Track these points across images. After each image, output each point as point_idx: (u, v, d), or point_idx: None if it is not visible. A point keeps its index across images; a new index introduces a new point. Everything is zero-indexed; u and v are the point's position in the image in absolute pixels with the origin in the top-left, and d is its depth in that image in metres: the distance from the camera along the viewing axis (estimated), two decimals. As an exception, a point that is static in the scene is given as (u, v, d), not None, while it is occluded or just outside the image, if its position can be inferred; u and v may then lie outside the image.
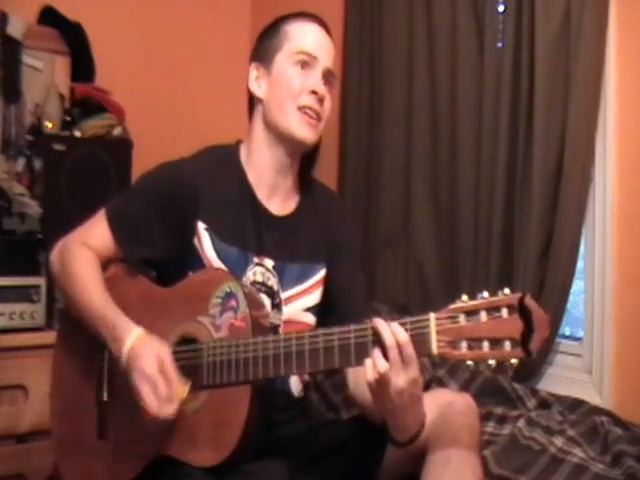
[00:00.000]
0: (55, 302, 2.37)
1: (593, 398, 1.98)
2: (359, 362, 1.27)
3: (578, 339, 2.15)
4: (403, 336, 1.22)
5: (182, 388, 1.37)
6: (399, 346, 1.21)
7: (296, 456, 1.47)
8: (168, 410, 1.34)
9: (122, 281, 1.55)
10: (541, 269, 2.04)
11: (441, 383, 2.05)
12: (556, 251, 2.00)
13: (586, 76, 1.95)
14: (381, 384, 1.22)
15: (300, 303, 1.58)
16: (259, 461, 1.40)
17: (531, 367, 2.08)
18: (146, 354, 1.37)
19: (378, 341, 1.24)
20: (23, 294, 2.33)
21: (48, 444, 1.66)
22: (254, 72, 1.60)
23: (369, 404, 1.39)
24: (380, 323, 1.24)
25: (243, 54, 3.05)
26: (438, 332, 1.20)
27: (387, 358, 1.22)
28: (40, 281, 2.35)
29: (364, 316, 1.32)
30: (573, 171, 1.98)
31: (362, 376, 1.44)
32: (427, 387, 1.96)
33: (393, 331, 1.22)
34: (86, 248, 1.55)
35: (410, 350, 1.21)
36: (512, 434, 1.77)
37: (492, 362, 1.18)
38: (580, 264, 2.06)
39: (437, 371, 2.08)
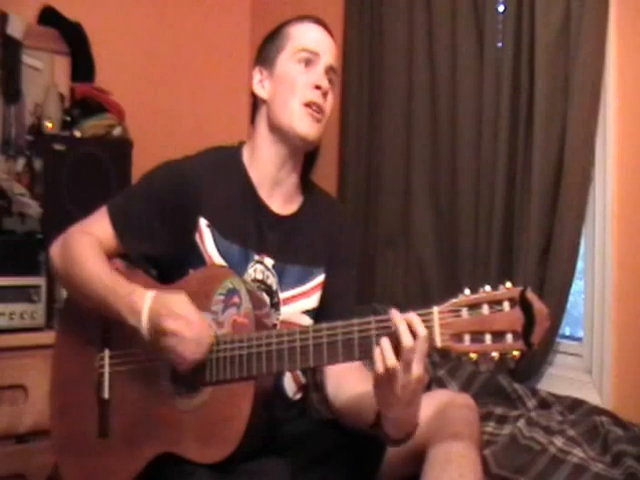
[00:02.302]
0: (55, 302, 2.37)
1: (593, 398, 1.98)
2: (363, 356, 1.27)
3: (578, 339, 2.15)
4: (422, 331, 1.21)
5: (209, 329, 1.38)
6: (415, 339, 1.21)
7: (297, 456, 1.47)
8: (206, 343, 1.35)
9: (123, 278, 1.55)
10: (541, 269, 2.04)
11: (441, 383, 2.05)
12: (556, 251, 2.00)
13: (586, 76, 1.95)
14: (387, 377, 1.22)
15: (298, 305, 1.58)
16: (260, 461, 1.40)
17: (531, 367, 2.09)
18: (169, 303, 1.37)
19: (387, 334, 1.23)
20: (23, 294, 2.33)
21: (48, 444, 1.65)
22: (257, 75, 1.60)
23: (352, 407, 1.41)
24: (397, 318, 1.24)
25: (243, 54, 3.08)
26: (441, 325, 1.21)
27: (398, 352, 1.22)
28: (40, 281, 2.36)
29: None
30: (573, 171, 1.98)
31: (344, 384, 1.48)
32: (427, 387, 1.96)
33: (411, 322, 1.22)
34: (87, 235, 1.55)
35: (424, 347, 1.21)
36: (512, 434, 1.77)
37: (494, 355, 1.19)
38: (580, 264, 2.06)
39: (437, 371, 2.08)
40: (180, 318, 1.35)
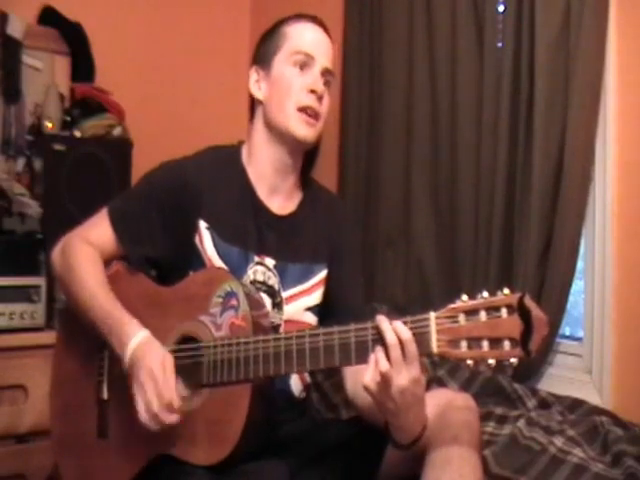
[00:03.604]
0: (55, 302, 2.37)
1: (593, 398, 1.98)
2: (359, 361, 1.27)
3: (578, 339, 2.15)
4: (406, 333, 1.22)
5: (177, 399, 1.36)
6: (402, 344, 1.22)
7: (296, 456, 1.47)
8: (170, 418, 1.34)
9: (123, 279, 1.55)
10: (541, 269, 2.04)
11: (441, 383, 2.05)
12: (556, 251, 2.00)
13: (586, 76, 1.95)
14: (382, 384, 1.23)
15: (301, 303, 1.58)
16: (259, 461, 1.40)
17: (531, 367, 2.08)
18: (153, 356, 1.37)
19: (380, 340, 1.24)
20: (23, 294, 2.33)
21: (48, 444, 1.66)
22: (254, 75, 1.61)
23: (369, 407, 1.39)
24: (382, 321, 1.25)
25: (243, 54, 3.08)
26: (438, 331, 1.21)
27: (389, 357, 1.22)
28: (40, 281, 2.36)
29: (364, 318, 1.31)
30: (573, 171, 1.97)
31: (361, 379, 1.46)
32: (427, 388, 1.95)
33: (395, 329, 1.23)
34: (88, 245, 1.55)
35: (413, 348, 1.22)
36: (512, 434, 1.77)
37: (492, 361, 1.18)
38: (580, 264, 2.06)
39: (437, 371, 2.08)
40: (152, 382, 1.35)
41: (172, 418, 1.34)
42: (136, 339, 1.40)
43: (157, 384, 1.34)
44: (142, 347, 1.39)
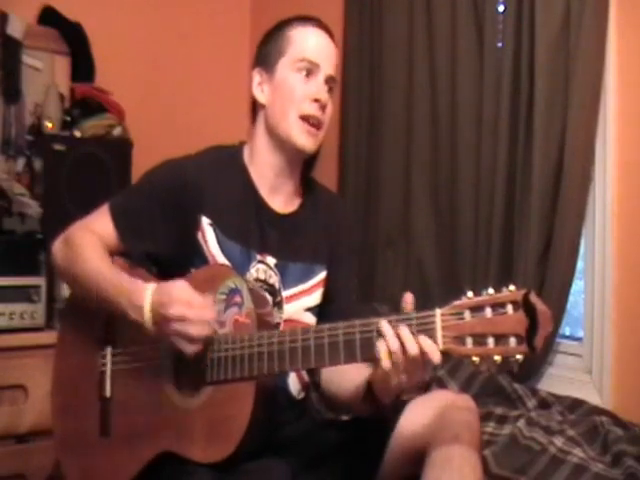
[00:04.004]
0: (55, 302, 2.38)
1: (593, 398, 1.98)
2: (365, 357, 1.27)
3: (578, 339, 2.15)
4: (437, 359, 1.21)
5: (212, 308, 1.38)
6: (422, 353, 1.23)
7: (297, 456, 1.47)
8: (209, 320, 1.35)
9: (125, 276, 1.55)
10: (541, 269, 2.04)
11: (441, 383, 2.06)
12: (556, 251, 2.00)
13: (586, 76, 1.96)
14: (393, 369, 1.24)
15: (301, 303, 1.58)
16: (260, 461, 1.39)
17: (531, 367, 2.09)
18: (170, 290, 1.37)
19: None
20: (23, 294, 2.33)
21: (48, 444, 1.66)
22: (257, 78, 1.59)
23: (341, 399, 1.47)
24: (406, 335, 1.24)
25: (243, 54, 3.08)
26: (444, 328, 1.21)
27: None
28: (40, 281, 2.35)
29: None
30: (573, 171, 1.98)
31: (337, 376, 1.51)
32: (427, 388, 1.96)
33: (423, 347, 1.23)
34: (90, 232, 1.55)
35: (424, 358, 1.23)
36: (512, 434, 1.77)
37: (497, 358, 1.18)
38: (580, 264, 2.06)
39: (437, 371, 2.08)
40: (181, 303, 1.34)
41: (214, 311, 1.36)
42: (149, 290, 1.39)
43: (192, 305, 1.34)
44: (157, 292, 1.38)
